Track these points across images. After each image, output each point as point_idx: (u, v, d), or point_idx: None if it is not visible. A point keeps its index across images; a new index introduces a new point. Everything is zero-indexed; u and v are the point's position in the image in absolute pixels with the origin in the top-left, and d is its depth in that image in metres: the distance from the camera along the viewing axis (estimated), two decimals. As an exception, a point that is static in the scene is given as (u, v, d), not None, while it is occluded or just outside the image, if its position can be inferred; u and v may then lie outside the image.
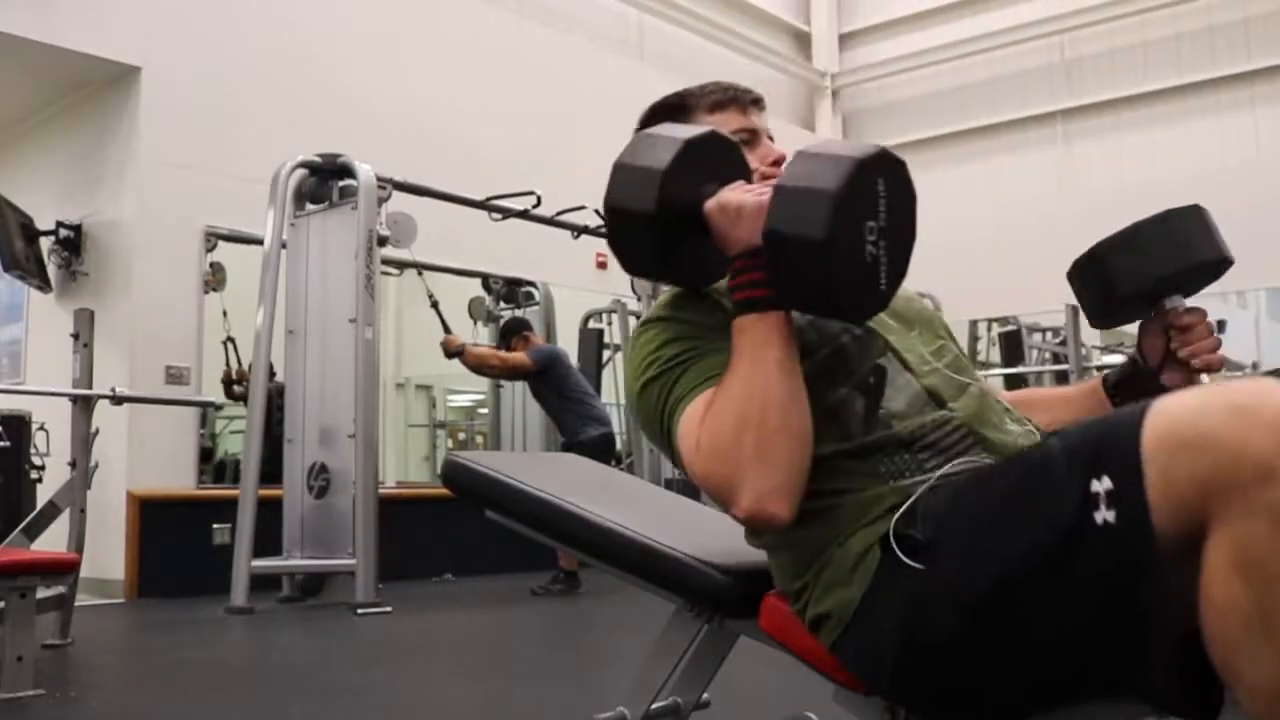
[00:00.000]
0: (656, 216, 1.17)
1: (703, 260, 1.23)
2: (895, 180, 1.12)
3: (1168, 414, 0.86)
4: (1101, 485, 0.88)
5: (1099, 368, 9.63)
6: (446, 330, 5.66)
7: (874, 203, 1.09)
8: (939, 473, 1.14)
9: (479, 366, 5.73)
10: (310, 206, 5.42)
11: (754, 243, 1.11)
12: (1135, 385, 1.38)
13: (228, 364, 6.78)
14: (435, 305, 5.75)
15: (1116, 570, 0.88)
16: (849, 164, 1.07)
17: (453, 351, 5.52)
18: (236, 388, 6.64)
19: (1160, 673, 0.88)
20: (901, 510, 1.10)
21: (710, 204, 1.17)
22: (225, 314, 6.27)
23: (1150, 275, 1.36)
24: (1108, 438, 0.90)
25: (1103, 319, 1.49)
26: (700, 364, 1.19)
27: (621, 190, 1.22)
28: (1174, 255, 1.37)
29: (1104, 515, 0.88)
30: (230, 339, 6.65)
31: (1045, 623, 0.94)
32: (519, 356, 5.62)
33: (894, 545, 1.06)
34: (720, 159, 1.23)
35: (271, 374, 5.45)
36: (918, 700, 1.10)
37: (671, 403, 1.19)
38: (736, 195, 1.16)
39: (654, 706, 1.39)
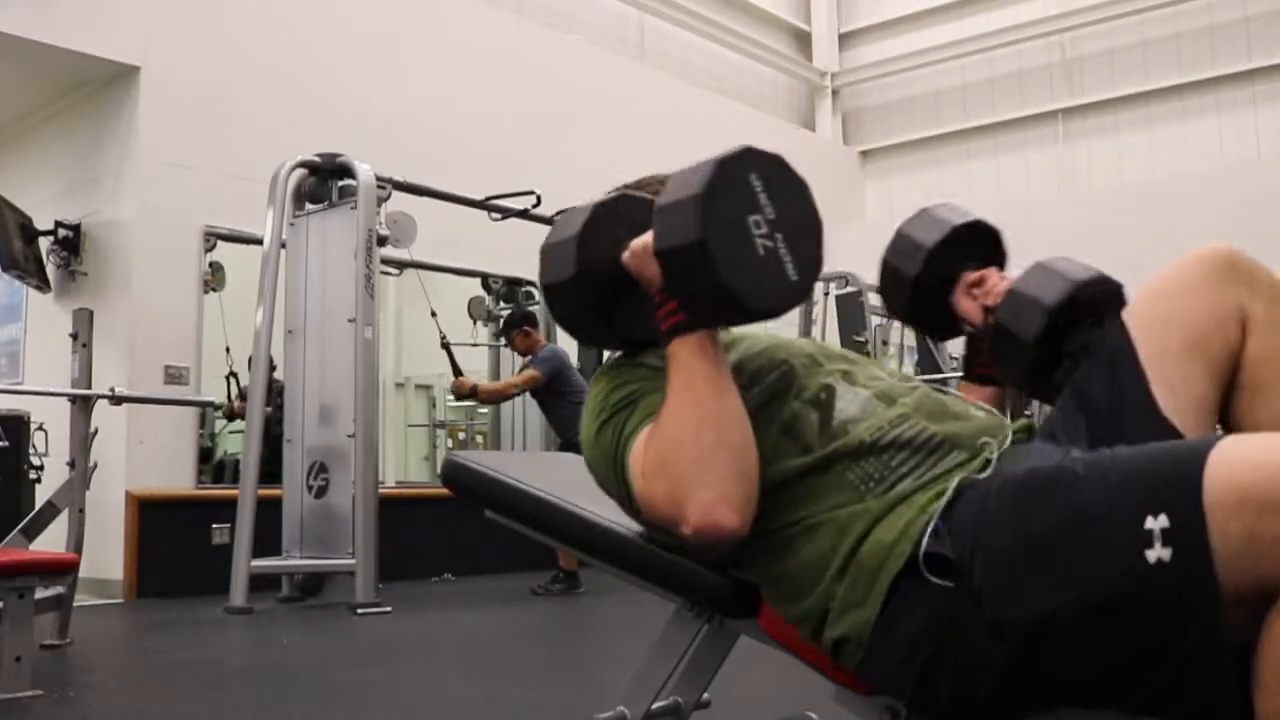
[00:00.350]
0: (579, 280, 1.24)
1: (646, 314, 1.25)
2: (772, 173, 1.14)
3: (1234, 465, 0.85)
4: (1157, 523, 0.87)
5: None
6: (457, 373, 5.69)
7: (751, 197, 1.11)
8: (927, 477, 1.13)
9: (497, 399, 5.76)
10: (310, 206, 5.41)
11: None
12: (976, 352, 1.49)
13: (229, 398, 6.80)
14: (446, 347, 5.75)
15: (1169, 609, 0.87)
16: (710, 166, 1.11)
17: (464, 394, 5.54)
18: (240, 421, 6.66)
19: (1198, 709, 0.89)
20: (930, 528, 1.08)
21: (624, 255, 1.22)
22: (224, 326, 6.24)
23: (920, 254, 1.45)
24: (1165, 474, 0.89)
25: (909, 312, 1.53)
26: (645, 402, 1.23)
27: (547, 268, 1.29)
28: (935, 232, 1.47)
29: (1158, 553, 0.87)
30: (233, 373, 6.67)
31: (1086, 654, 0.94)
32: (530, 375, 5.61)
33: (921, 565, 1.05)
34: (635, 216, 1.27)
35: (272, 367, 5.45)
36: (941, 711, 1.08)
37: (622, 441, 1.23)
38: (640, 238, 1.20)
39: (654, 706, 1.39)
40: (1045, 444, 1.18)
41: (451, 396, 7.66)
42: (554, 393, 5.62)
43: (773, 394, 1.23)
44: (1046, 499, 1.00)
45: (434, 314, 5.79)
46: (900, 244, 1.47)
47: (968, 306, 1.46)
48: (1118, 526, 0.90)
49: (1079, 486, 0.97)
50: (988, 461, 1.13)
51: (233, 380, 6.70)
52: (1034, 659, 0.96)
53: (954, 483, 1.11)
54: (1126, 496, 0.90)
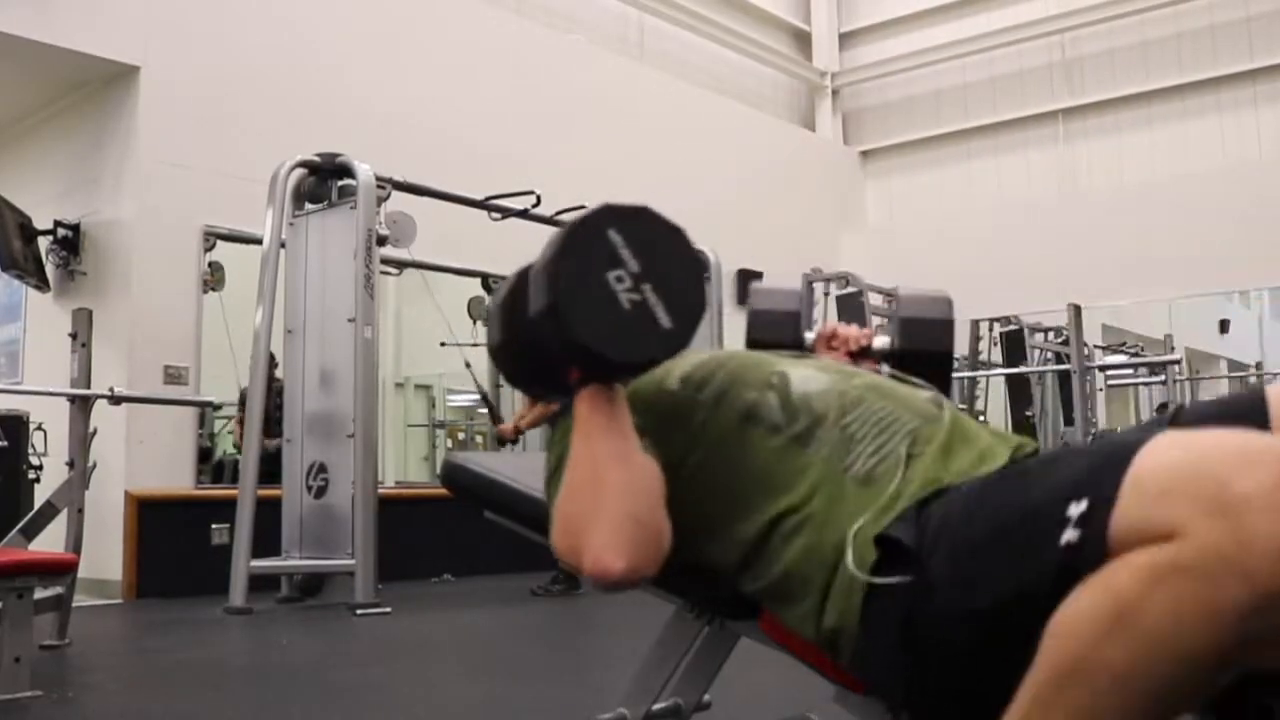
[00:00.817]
0: (506, 345, 1.36)
1: None
2: (633, 227, 1.17)
3: (1155, 453, 0.86)
4: (1078, 508, 0.88)
5: (1101, 367, 9.64)
6: (496, 419, 5.72)
7: (612, 254, 1.14)
8: (888, 449, 1.16)
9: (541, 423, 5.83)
10: (309, 206, 5.41)
11: None
12: None
13: (239, 420, 6.78)
14: (485, 397, 5.77)
15: (1065, 586, 0.87)
16: (563, 232, 1.15)
17: (512, 437, 5.60)
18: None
19: None
20: (896, 512, 1.08)
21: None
22: (226, 327, 6.21)
23: (790, 324, 1.63)
24: (1101, 462, 0.90)
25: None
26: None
27: (489, 333, 1.41)
28: (790, 303, 1.65)
29: (1069, 536, 0.88)
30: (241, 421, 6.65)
31: (1027, 646, 0.93)
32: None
33: (874, 544, 1.07)
34: None
35: (273, 364, 5.44)
36: (935, 710, 1.08)
37: (551, 499, 1.27)
38: None
39: (654, 707, 1.39)
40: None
41: (448, 395, 7.68)
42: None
43: (724, 390, 1.26)
44: (997, 494, 1.02)
45: (484, 396, 5.85)
46: (765, 318, 1.61)
47: (833, 357, 1.59)
48: (1048, 515, 0.91)
49: (1027, 480, 0.99)
50: (938, 429, 1.17)
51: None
52: (987, 652, 0.97)
53: (923, 464, 1.13)
54: (1061, 486, 0.91)
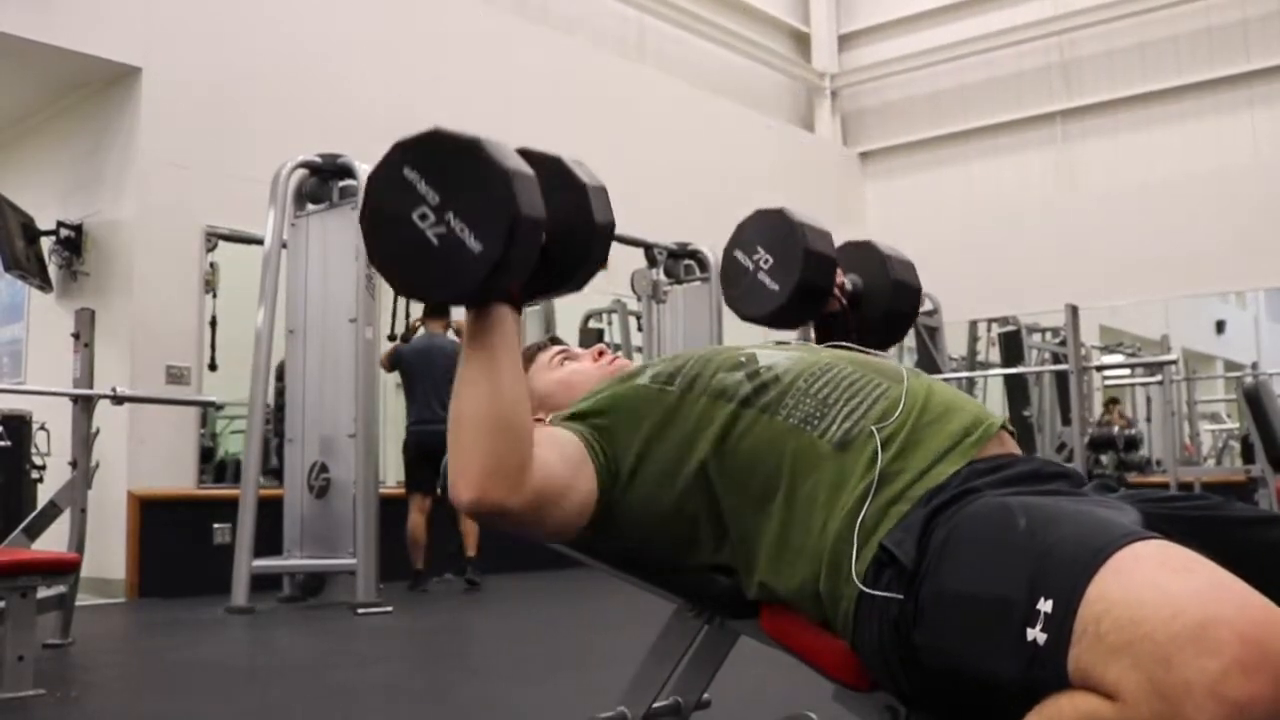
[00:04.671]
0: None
1: None
2: (429, 156, 1.13)
3: (1119, 580, 0.88)
4: (1045, 606, 0.91)
5: (1099, 368, 9.65)
6: None
7: (412, 193, 1.12)
8: (860, 413, 1.19)
9: None
10: (310, 206, 5.42)
11: None
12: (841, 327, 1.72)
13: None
14: None
15: (1027, 684, 0.91)
16: (367, 181, 1.16)
17: None
18: None
19: None
20: (899, 521, 1.10)
21: None
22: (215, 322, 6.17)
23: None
24: (1069, 558, 0.92)
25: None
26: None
27: None
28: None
29: (1036, 634, 0.91)
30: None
31: (974, 704, 1.02)
32: None
33: (880, 559, 1.09)
34: None
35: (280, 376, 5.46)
36: (933, 706, 1.10)
37: None
38: None
39: (654, 706, 1.40)
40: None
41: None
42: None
43: (693, 377, 1.29)
44: (988, 548, 1.01)
45: None
46: (826, 266, 1.69)
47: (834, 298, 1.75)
48: (1020, 602, 0.93)
49: (1013, 548, 0.99)
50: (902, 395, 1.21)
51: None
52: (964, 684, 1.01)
53: (920, 452, 1.16)
54: (1037, 576, 0.93)
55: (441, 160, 1.12)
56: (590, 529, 1.25)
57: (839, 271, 1.73)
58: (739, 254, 1.72)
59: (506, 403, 1.15)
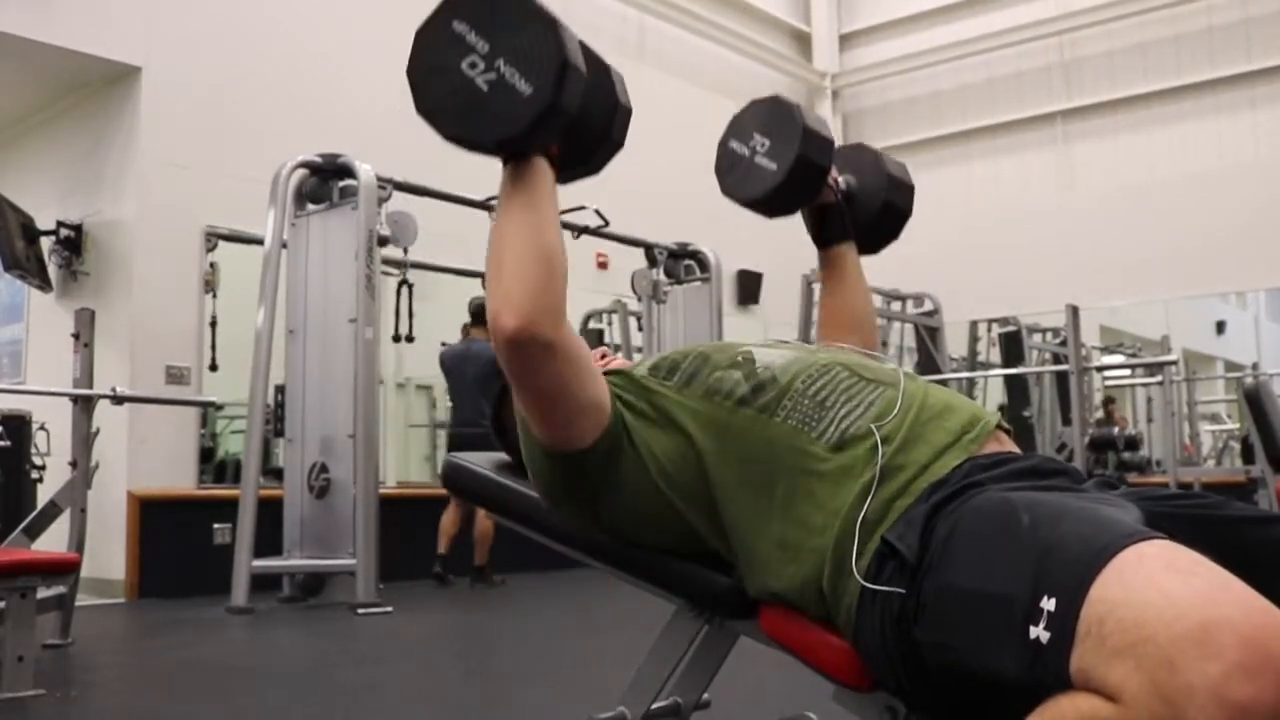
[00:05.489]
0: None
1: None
2: (476, 6, 1.18)
3: (1122, 581, 0.88)
4: (1048, 604, 0.91)
5: (1099, 368, 9.65)
6: None
7: (459, 44, 1.18)
8: (857, 414, 1.19)
9: None
10: (311, 206, 5.42)
11: None
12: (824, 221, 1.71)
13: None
14: None
15: (1029, 682, 0.92)
16: (414, 38, 1.21)
17: None
18: None
19: None
20: (901, 511, 1.10)
21: None
22: (215, 322, 6.18)
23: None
24: (1073, 557, 0.92)
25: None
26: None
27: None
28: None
29: (1039, 632, 0.91)
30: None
31: (975, 701, 1.02)
32: None
33: (884, 552, 1.09)
34: None
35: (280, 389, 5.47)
36: (934, 703, 1.10)
37: None
38: None
39: (654, 706, 1.40)
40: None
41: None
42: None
43: (691, 374, 1.30)
44: (991, 544, 1.01)
45: None
46: (824, 145, 1.64)
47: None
48: (1023, 598, 0.93)
49: (1017, 544, 0.99)
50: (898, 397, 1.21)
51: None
52: (966, 679, 1.01)
53: (920, 447, 1.16)
54: (1040, 574, 0.94)
55: (490, 11, 1.18)
56: (593, 453, 1.25)
57: (834, 170, 1.71)
58: (734, 144, 1.68)
59: (550, 238, 1.20)
